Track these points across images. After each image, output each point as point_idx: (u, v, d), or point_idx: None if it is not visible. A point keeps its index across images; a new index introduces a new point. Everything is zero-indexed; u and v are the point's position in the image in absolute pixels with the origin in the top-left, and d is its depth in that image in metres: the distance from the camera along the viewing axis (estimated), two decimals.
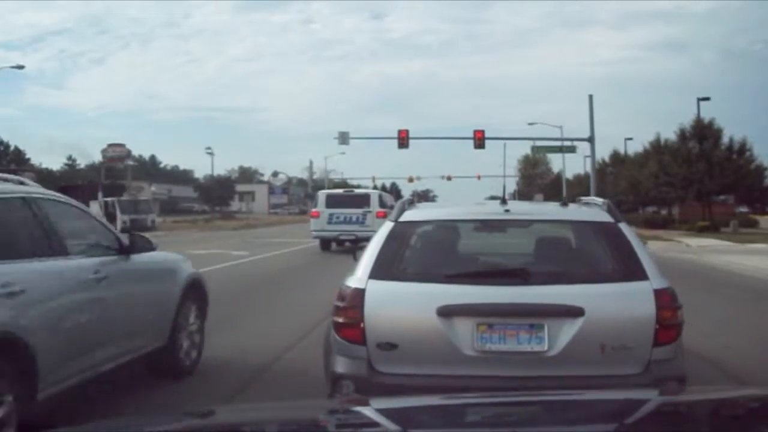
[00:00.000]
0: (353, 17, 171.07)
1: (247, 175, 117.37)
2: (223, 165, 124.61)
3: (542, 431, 2.07)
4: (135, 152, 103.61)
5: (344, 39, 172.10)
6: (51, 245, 4.66)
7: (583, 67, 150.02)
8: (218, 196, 74.02)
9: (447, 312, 3.93)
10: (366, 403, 2.63)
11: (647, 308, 3.98)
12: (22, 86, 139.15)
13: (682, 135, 39.17)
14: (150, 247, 5.90)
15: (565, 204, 5.13)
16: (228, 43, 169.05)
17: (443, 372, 3.93)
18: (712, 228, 35.35)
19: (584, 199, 5.30)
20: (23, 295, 4.08)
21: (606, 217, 4.48)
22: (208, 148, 76.16)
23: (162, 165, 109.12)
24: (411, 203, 4.83)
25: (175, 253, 7.18)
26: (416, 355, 3.97)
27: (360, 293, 4.03)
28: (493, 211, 4.90)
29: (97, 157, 78.90)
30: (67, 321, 4.50)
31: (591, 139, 46.10)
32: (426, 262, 4.45)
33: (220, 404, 4.81)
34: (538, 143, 49.51)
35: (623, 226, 4.40)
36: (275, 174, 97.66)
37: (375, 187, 66.76)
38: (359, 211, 22.25)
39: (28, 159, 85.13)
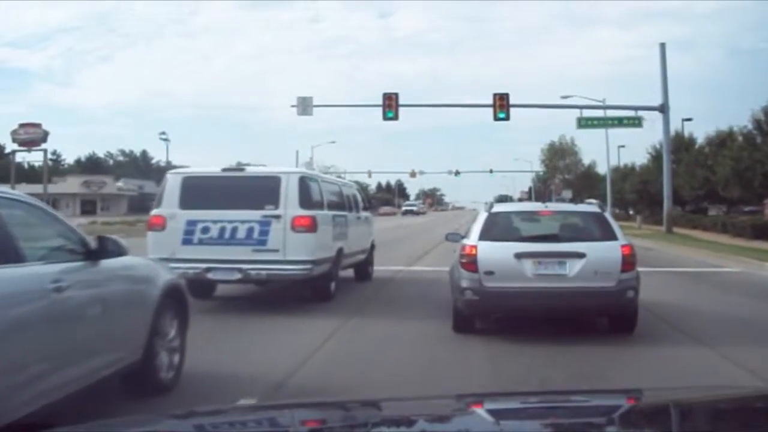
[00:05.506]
0: (360, 15, 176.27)
1: None
2: (227, 162, 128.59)
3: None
4: (134, 149, 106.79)
5: (351, 37, 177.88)
6: (3, 251, 4.37)
7: (594, 65, 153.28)
8: None
9: (519, 255, 8.76)
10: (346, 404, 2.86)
11: (617, 254, 8.88)
12: (30, 84, 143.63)
13: None
14: (121, 251, 5.57)
15: (575, 203, 9.74)
16: (235, 41, 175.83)
17: (516, 285, 8.75)
18: None
19: (587, 200, 9.89)
20: None
21: (597, 210, 9.08)
22: (162, 133, 69.92)
23: (155, 161, 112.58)
24: (493, 205, 9.33)
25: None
26: (503, 277, 8.82)
27: (475, 247, 8.59)
28: (539, 206, 9.52)
29: (85, 152, 69.55)
30: (18, 340, 4.18)
31: (664, 108, 35.12)
32: (507, 232, 9.29)
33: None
34: (585, 113, 38.45)
35: (606, 214, 9.06)
36: None
37: (379, 185, 55.17)
38: (254, 215, 11.24)
39: (7, 153, 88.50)
